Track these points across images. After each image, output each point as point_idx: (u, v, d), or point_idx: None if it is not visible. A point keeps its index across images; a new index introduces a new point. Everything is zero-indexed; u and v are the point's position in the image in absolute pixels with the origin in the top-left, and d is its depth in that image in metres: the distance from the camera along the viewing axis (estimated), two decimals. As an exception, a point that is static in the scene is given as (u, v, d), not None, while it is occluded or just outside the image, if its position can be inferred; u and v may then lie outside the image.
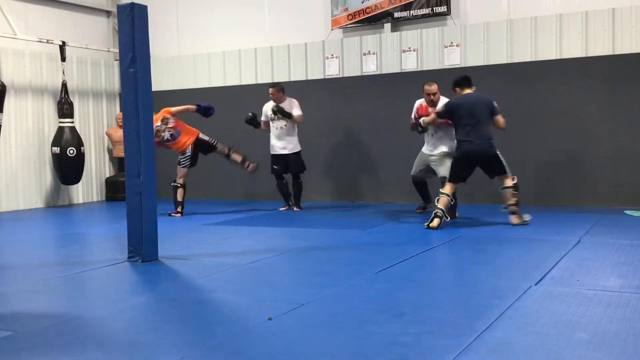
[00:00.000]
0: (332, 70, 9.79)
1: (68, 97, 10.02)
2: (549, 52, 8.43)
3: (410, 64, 9.26)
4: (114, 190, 10.89)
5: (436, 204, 6.75)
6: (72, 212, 9.70)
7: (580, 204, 8.22)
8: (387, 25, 9.40)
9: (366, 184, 9.63)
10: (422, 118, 7.32)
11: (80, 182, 10.42)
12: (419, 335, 3.17)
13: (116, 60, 11.07)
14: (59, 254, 6.27)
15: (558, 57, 8.38)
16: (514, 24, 8.62)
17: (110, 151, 11.37)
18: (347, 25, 9.64)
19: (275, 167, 8.67)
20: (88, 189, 10.97)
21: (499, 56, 8.70)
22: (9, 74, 9.64)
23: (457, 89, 7.09)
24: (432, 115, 7.17)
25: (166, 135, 8.41)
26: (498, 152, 6.87)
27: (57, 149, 9.85)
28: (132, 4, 5.19)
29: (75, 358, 3.05)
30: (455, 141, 7.03)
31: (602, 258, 5.05)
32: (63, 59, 10.02)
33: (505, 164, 6.89)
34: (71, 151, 9.85)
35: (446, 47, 9.02)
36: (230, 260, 5.31)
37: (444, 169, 7.31)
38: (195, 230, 7.26)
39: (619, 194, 8.07)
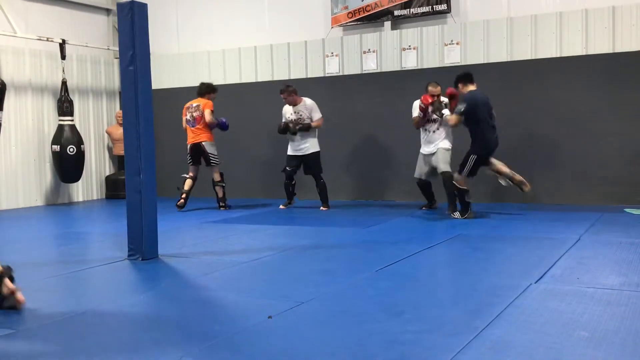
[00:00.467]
0: (332, 68, 9.79)
1: (68, 95, 10.02)
2: (549, 50, 8.42)
3: (410, 62, 9.25)
4: (114, 188, 10.90)
5: (469, 200, 7.09)
6: (72, 210, 9.70)
7: (580, 201, 8.22)
8: (387, 24, 9.39)
9: (366, 182, 9.63)
10: (445, 116, 7.36)
11: (80, 180, 10.43)
12: (419, 334, 3.18)
13: (116, 58, 11.07)
14: (59, 252, 6.26)
15: (558, 55, 8.37)
16: (514, 21, 8.61)
17: (110, 149, 11.36)
18: (347, 23, 9.63)
19: (287, 167, 8.62)
20: (88, 187, 10.97)
21: (499, 54, 8.70)
22: (9, 72, 9.63)
23: (461, 85, 7.13)
24: (455, 116, 7.09)
25: (188, 116, 8.85)
26: None
27: (57, 147, 9.85)
28: (132, 2, 5.19)
29: (75, 356, 3.05)
30: (478, 139, 7.07)
31: (602, 256, 5.05)
32: (63, 57, 10.02)
33: None
34: (71, 149, 9.85)
35: (446, 45, 9.01)
36: (230, 258, 5.31)
37: (444, 164, 7.43)
38: (196, 228, 7.26)
39: (619, 192, 8.06)
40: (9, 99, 9.39)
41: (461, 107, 7.01)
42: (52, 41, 9.93)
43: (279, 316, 3.54)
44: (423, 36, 9.15)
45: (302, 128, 8.40)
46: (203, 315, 3.72)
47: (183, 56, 10.98)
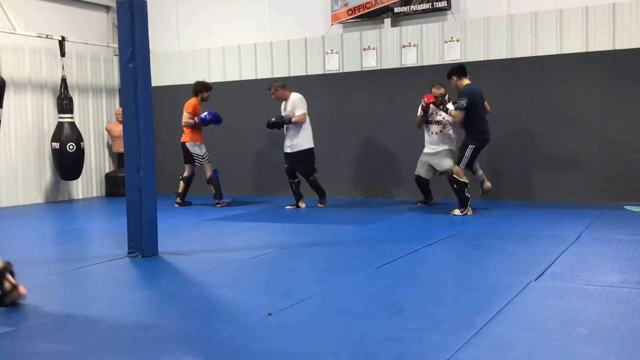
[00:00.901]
0: (332, 65, 9.78)
1: (67, 92, 10.01)
2: (549, 47, 8.41)
3: (410, 59, 9.24)
4: (113, 185, 10.89)
5: (468, 195, 7.13)
6: (72, 208, 9.70)
7: (580, 199, 8.22)
8: (387, 21, 9.38)
9: (366, 180, 9.63)
10: (450, 111, 7.34)
11: (80, 177, 10.42)
12: (419, 331, 3.18)
13: (116, 55, 11.05)
14: (59, 250, 6.27)
15: (558, 53, 8.36)
16: (514, 19, 8.60)
17: (110, 147, 11.36)
18: (347, 20, 9.61)
19: (285, 165, 8.60)
20: (88, 184, 10.97)
21: (499, 51, 8.69)
22: (8, 70, 9.62)
23: (455, 78, 7.17)
24: (459, 112, 7.14)
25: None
26: None
27: (56, 145, 9.85)
28: (132, -1, 5.18)
29: (75, 354, 3.05)
30: (474, 131, 7.13)
31: (602, 253, 5.06)
32: (62, 54, 10.01)
33: None
34: (71, 147, 9.85)
35: (446, 42, 9.00)
36: (230, 256, 5.31)
37: (445, 163, 7.50)
38: (196, 226, 7.26)
39: (619, 189, 8.06)
40: (9, 97, 9.38)
41: (463, 102, 7.07)
42: (51, 38, 9.92)
43: (279, 314, 3.54)
44: (423, 33, 9.14)
45: (275, 123, 8.26)
46: (203, 312, 3.72)
47: (183, 53, 10.97)
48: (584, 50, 8.22)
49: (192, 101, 8.79)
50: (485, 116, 7.29)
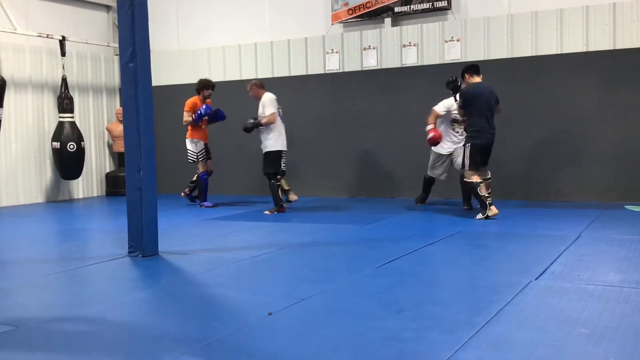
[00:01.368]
0: (333, 65, 9.78)
1: (68, 92, 10.01)
2: (549, 47, 8.41)
3: (410, 59, 9.24)
4: (114, 185, 10.90)
5: (482, 193, 6.82)
6: (73, 207, 9.70)
7: (580, 199, 8.22)
8: (388, 20, 9.38)
9: (366, 179, 9.63)
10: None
11: (81, 177, 10.43)
12: (419, 331, 3.18)
13: (116, 55, 11.05)
14: (60, 249, 6.27)
15: (559, 52, 8.36)
16: (514, 18, 8.59)
17: (110, 146, 11.36)
18: (347, 20, 9.61)
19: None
20: (88, 184, 10.97)
21: (500, 51, 8.68)
22: (9, 69, 9.62)
23: (467, 75, 7.11)
24: (461, 111, 7.22)
25: None
26: None
27: (57, 144, 9.85)
28: (132, -2, 5.18)
29: (75, 353, 3.05)
30: (472, 129, 6.98)
31: (602, 253, 5.06)
32: (63, 53, 10.01)
33: None
34: (71, 146, 9.85)
35: (446, 41, 9.00)
36: (230, 256, 5.31)
37: (461, 159, 7.29)
38: (196, 225, 7.26)
39: (619, 189, 8.06)
40: (9, 96, 9.38)
41: (460, 101, 7.11)
42: (52, 38, 9.92)
43: (279, 313, 3.54)
44: (423, 33, 9.14)
45: (249, 130, 8.10)
46: (203, 312, 3.73)
47: (183, 53, 10.97)
48: (585, 50, 8.22)
49: (193, 99, 8.77)
50: (489, 116, 7.02)
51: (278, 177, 8.07)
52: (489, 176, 7.21)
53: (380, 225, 6.85)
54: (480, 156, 6.98)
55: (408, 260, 4.95)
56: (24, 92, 9.96)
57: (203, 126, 8.80)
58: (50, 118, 10.23)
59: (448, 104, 7.58)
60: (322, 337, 3.16)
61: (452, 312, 3.52)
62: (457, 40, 8.93)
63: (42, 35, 9.80)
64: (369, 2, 9.40)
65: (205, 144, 8.88)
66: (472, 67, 7.15)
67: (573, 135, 8.30)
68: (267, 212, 7.99)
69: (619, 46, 8.04)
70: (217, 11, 10.71)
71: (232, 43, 10.52)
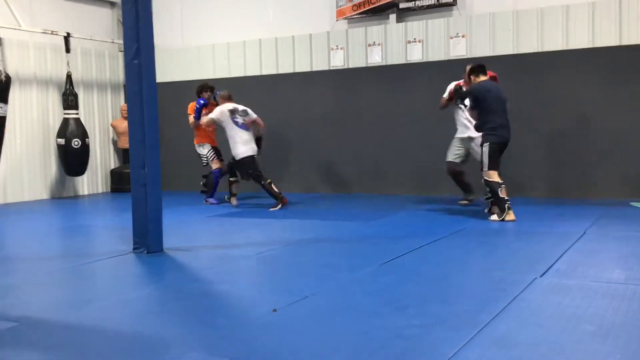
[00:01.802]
0: (337, 61, 9.76)
1: (73, 88, 10.02)
2: (555, 43, 8.37)
3: (415, 55, 9.21)
4: (119, 181, 10.92)
5: (503, 195, 6.50)
6: (77, 204, 9.73)
7: (586, 195, 8.19)
8: (393, 16, 9.35)
9: (370, 176, 9.61)
10: (466, 108, 7.14)
11: (85, 173, 10.45)
12: (423, 328, 3.17)
13: (121, 51, 11.06)
14: (65, 246, 6.29)
15: (564, 48, 8.32)
16: (520, 14, 8.56)
17: (115, 142, 11.38)
18: (352, 16, 9.59)
19: None
20: (93, 180, 10.99)
21: (505, 47, 8.65)
22: (13, 66, 9.64)
23: (473, 77, 6.85)
24: (470, 111, 6.98)
25: None
26: None
27: (62, 141, 9.87)
28: (136, -5, 5.18)
29: (79, 349, 3.06)
30: (488, 127, 6.63)
31: (608, 250, 5.04)
32: (68, 50, 10.02)
33: None
34: (76, 143, 9.87)
35: (452, 38, 8.97)
36: (234, 252, 5.32)
37: (479, 157, 6.98)
38: (200, 222, 7.27)
39: (625, 186, 8.03)
40: (14, 93, 9.41)
41: (470, 101, 6.81)
42: (56, 34, 9.94)
43: (283, 310, 3.54)
44: (428, 29, 9.11)
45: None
46: (207, 308, 3.73)
47: (187, 49, 10.96)
48: (590, 46, 8.18)
49: (194, 103, 8.78)
50: (501, 113, 6.72)
51: (237, 179, 8.54)
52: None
53: (384, 223, 6.84)
54: (499, 154, 6.68)
55: (411, 258, 4.94)
56: (29, 88, 9.98)
57: (210, 128, 8.75)
58: (55, 114, 10.25)
59: (451, 87, 7.46)
60: (325, 334, 3.15)
61: (456, 309, 3.52)
62: (463, 37, 8.90)
63: (46, 31, 9.81)
64: (373, -2, 9.38)
65: (213, 147, 8.85)
66: (477, 68, 6.88)
67: (578, 131, 8.27)
68: (271, 209, 8.04)
69: (625, 42, 8.00)
70: (221, 8, 10.69)
71: (236, 40, 10.51)
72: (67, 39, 10.01)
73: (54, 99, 10.30)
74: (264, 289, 4.15)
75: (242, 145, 8.16)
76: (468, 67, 7.03)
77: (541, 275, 4.19)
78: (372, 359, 2.80)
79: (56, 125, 10.12)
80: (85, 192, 10.84)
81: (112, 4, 11.42)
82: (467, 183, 7.70)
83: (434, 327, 3.19)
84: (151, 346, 3.06)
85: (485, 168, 6.62)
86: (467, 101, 7.13)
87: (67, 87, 9.98)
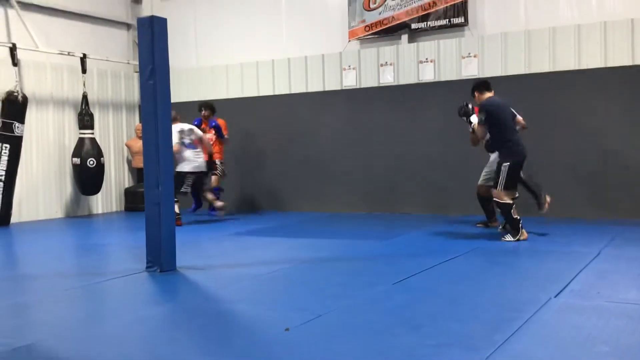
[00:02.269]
0: (350, 81, 9.82)
1: (88, 108, 10.14)
2: (567, 62, 8.37)
3: (427, 75, 9.25)
4: (133, 200, 10.98)
5: (516, 216, 6.37)
6: (92, 223, 9.79)
7: (600, 216, 8.12)
8: (404, 37, 9.41)
9: (383, 195, 9.61)
10: (473, 125, 6.81)
11: (100, 192, 10.53)
12: (438, 348, 3.15)
13: (136, 72, 11.19)
14: (79, 264, 6.32)
15: (576, 68, 8.32)
16: (531, 34, 8.58)
17: (129, 162, 11.47)
18: (364, 36, 9.66)
19: None
20: (107, 199, 11.07)
21: (517, 67, 8.67)
22: (30, 86, 9.78)
23: (477, 93, 6.75)
24: (479, 127, 6.63)
25: None
26: None
27: (77, 160, 9.96)
28: (152, 17, 5.26)
29: (94, 367, 3.07)
30: (505, 145, 6.45)
31: (623, 270, 4.99)
32: (84, 71, 10.16)
33: None
34: (91, 162, 9.96)
35: (463, 57, 9.00)
36: (248, 271, 5.32)
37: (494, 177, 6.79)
38: (214, 241, 7.29)
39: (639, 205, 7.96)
40: (31, 113, 9.54)
41: (482, 116, 6.54)
42: (73, 55, 10.08)
43: (297, 329, 3.53)
44: (440, 49, 9.15)
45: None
46: (221, 327, 3.73)
47: (201, 70, 11.07)
48: (603, 66, 8.17)
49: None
50: (515, 130, 6.61)
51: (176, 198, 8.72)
52: (517, 195, 6.76)
53: (398, 241, 6.83)
54: (516, 174, 6.45)
55: (425, 276, 4.92)
56: (45, 108, 10.11)
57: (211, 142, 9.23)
58: (71, 134, 10.36)
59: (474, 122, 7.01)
60: (339, 354, 3.14)
61: (471, 329, 3.50)
62: (474, 56, 8.93)
63: (63, 52, 9.96)
64: (385, 19, 9.45)
65: (207, 161, 9.10)
66: (482, 84, 6.80)
67: (592, 151, 8.23)
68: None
69: (637, 62, 7.98)
70: (235, 29, 10.81)
71: (249, 60, 10.61)
72: (83, 59, 10.15)
73: (70, 119, 10.42)
74: (278, 307, 4.14)
75: (184, 162, 8.57)
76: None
77: (556, 296, 4.16)
78: (386, 378, 2.79)
79: (72, 144, 10.23)
80: (100, 211, 10.92)
81: (128, 26, 11.58)
82: (493, 210, 7.38)
83: (448, 346, 3.17)
84: (165, 364, 3.07)
85: (500, 187, 6.42)
86: (473, 118, 6.88)
87: (83, 107, 10.09)
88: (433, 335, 3.36)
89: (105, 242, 7.73)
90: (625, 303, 3.93)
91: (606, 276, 4.76)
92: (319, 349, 3.23)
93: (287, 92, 10.27)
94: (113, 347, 3.37)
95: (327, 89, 9.98)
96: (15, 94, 8.99)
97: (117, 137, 11.31)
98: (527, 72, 8.60)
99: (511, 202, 6.43)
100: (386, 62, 9.53)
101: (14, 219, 9.32)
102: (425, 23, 9.23)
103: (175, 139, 8.43)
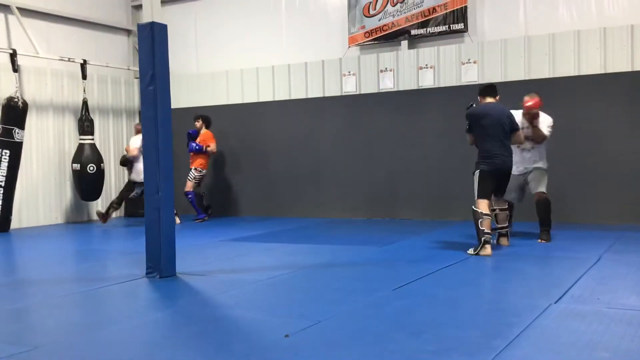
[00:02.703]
0: (349, 87, 9.83)
1: (89, 114, 10.15)
2: (567, 68, 8.39)
3: (427, 81, 9.27)
4: (133, 206, 10.97)
5: (483, 228, 6.04)
6: (92, 228, 9.78)
7: (600, 221, 8.12)
8: (404, 43, 9.43)
9: (382, 200, 9.61)
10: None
11: (100, 198, 10.52)
12: (438, 353, 3.15)
13: (136, 78, 11.20)
14: (79, 270, 6.32)
15: (576, 74, 8.34)
16: (531, 40, 8.60)
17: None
18: (364, 42, 9.69)
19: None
20: (107, 205, 11.04)
21: (517, 73, 8.68)
22: (31, 92, 9.79)
23: (480, 98, 6.62)
24: (467, 135, 6.55)
25: None
26: None
27: (77, 166, 9.96)
28: (152, 23, 5.27)
29: (94, 373, 3.06)
30: (479, 154, 6.33)
31: (623, 276, 4.99)
32: (84, 77, 10.18)
33: None
34: (91, 168, 9.96)
35: (463, 64, 9.02)
36: (247, 277, 5.32)
37: (541, 185, 6.84)
38: (213, 246, 7.29)
39: (639, 211, 7.96)
40: (31, 118, 9.55)
41: (466, 123, 6.50)
42: (73, 61, 10.10)
43: (296, 335, 3.53)
44: (440, 55, 9.17)
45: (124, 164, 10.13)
46: (220, 333, 3.72)
47: (202, 76, 11.09)
48: (602, 72, 8.19)
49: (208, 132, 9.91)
50: (502, 138, 6.35)
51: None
52: (507, 206, 6.64)
53: (398, 247, 6.82)
54: (490, 183, 6.24)
55: (426, 282, 4.92)
56: (45, 114, 10.12)
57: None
58: (71, 140, 10.37)
59: (519, 119, 6.84)
60: (339, 359, 3.14)
61: (471, 334, 3.49)
62: (474, 62, 8.94)
63: (63, 58, 9.98)
64: (385, 25, 9.47)
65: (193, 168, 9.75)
66: (485, 89, 6.65)
67: (592, 157, 8.24)
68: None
69: (637, 68, 8.00)
70: (235, 35, 10.84)
71: (250, 66, 10.63)
72: (83, 65, 10.16)
73: (70, 125, 10.43)
74: (278, 313, 4.14)
75: (140, 172, 8.70)
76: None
77: (556, 301, 4.15)
78: (386, 384, 2.78)
79: (72, 150, 10.23)
80: (99, 217, 10.90)
81: (128, 32, 11.61)
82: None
83: (448, 352, 3.17)
84: (165, 370, 3.06)
85: (475, 195, 6.28)
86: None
87: (83, 113, 10.10)
88: (433, 341, 3.35)
89: (104, 247, 7.73)
90: (625, 309, 3.92)
91: (606, 282, 4.75)
92: (319, 356, 3.22)
93: (287, 97, 10.29)
94: (113, 353, 3.36)
95: (327, 94, 9.99)
96: (16, 99, 9.00)
97: (117, 143, 11.31)
98: (527, 78, 8.61)
99: (483, 212, 6.12)
100: (386, 68, 9.54)
101: (13, 224, 9.31)
102: (425, 29, 9.25)
103: (137, 144, 9.01)
